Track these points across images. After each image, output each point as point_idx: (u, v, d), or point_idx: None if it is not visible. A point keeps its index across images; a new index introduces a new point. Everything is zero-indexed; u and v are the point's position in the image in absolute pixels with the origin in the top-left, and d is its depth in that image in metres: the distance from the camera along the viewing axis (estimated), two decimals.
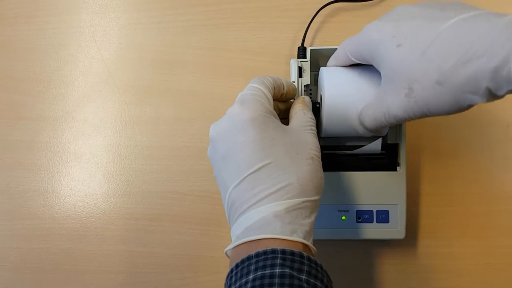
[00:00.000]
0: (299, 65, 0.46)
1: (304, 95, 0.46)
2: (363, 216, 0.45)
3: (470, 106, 0.31)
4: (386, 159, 0.45)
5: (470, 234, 0.50)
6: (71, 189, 0.52)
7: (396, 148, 0.46)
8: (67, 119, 0.53)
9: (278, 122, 0.36)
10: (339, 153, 0.45)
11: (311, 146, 0.36)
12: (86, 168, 0.52)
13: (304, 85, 0.46)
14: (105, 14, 0.54)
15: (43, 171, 0.52)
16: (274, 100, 0.39)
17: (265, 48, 0.53)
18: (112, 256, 0.51)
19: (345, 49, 0.40)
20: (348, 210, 0.45)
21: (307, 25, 0.51)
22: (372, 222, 0.45)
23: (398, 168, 0.45)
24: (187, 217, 0.51)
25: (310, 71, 0.47)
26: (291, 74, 0.46)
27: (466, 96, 0.30)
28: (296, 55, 0.50)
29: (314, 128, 0.38)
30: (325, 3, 0.52)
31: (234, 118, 0.35)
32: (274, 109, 0.38)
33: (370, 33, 0.35)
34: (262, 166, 0.33)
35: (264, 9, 0.54)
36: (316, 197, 0.34)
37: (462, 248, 0.49)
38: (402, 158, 0.45)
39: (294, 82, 0.46)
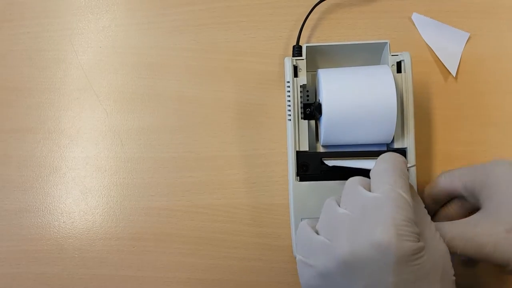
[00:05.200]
0: (294, 63, 0.42)
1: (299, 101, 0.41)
2: None
3: None
4: None
5: None
6: (45, 207, 0.47)
7: (404, 154, 0.41)
8: (41, 130, 0.48)
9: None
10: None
11: (447, 262, 0.31)
12: (62, 183, 0.47)
13: (300, 86, 0.42)
14: (83, 16, 0.50)
15: (15, 188, 0.47)
16: None
17: (257, 48, 0.49)
18: (92, 281, 0.46)
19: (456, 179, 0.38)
20: None
21: (302, 22, 0.47)
22: None
23: None
24: (174, 235, 0.46)
25: (307, 71, 0.43)
26: (286, 73, 0.42)
27: None
28: (291, 55, 0.46)
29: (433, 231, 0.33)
30: None
31: (385, 253, 0.29)
32: None
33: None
34: None
35: (256, 7, 0.50)
36: None
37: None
38: (412, 165, 0.41)
39: (289, 82, 0.42)
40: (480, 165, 0.37)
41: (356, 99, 0.39)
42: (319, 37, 0.49)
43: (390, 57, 0.42)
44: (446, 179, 0.39)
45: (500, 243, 0.32)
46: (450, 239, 0.33)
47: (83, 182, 0.47)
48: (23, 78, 0.49)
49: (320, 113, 0.40)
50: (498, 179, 0.35)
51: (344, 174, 0.40)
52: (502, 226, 0.32)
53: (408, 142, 0.41)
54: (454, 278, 0.31)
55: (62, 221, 0.47)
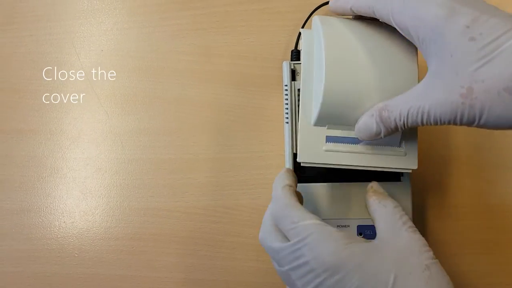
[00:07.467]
0: (292, 67, 0.43)
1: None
2: (365, 232, 0.41)
3: None
4: None
5: (482, 250, 0.45)
6: (46, 207, 0.48)
7: None
8: (43, 131, 0.49)
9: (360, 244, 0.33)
10: None
11: (419, 249, 0.32)
12: (63, 184, 0.48)
13: (298, 89, 0.43)
14: (86, 20, 0.51)
15: (17, 188, 0.48)
16: None
17: (256, 53, 0.49)
18: (91, 280, 0.46)
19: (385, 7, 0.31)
20: (349, 225, 0.41)
21: (301, 27, 0.48)
22: (374, 238, 0.41)
23: (401, 178, 0.42)
24: (173, 236, 0.47)
25: None
26: (284, 77, 0.43)
27: None
28: (289, 59, 0.46)
29: (409, 222, 0.34)
30: (318, 5, 0.49)
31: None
32: None
33: (435, 11, 0.29)
34: None
35: (255, 12, 0.50)
36: None
37: (472, 266, 0.45)
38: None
39: (287, 85, 0.42)
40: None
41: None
42: None
43: None
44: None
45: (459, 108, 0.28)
46: (405, 114, 0.31)
47: (83, 182, 0.48)
48: (26, 80, 0.50)
49: None
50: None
51: (340, 176, 0.41)
52: (456, 92, 0.28)
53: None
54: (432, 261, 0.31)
55: (63, 221, 0.48)
